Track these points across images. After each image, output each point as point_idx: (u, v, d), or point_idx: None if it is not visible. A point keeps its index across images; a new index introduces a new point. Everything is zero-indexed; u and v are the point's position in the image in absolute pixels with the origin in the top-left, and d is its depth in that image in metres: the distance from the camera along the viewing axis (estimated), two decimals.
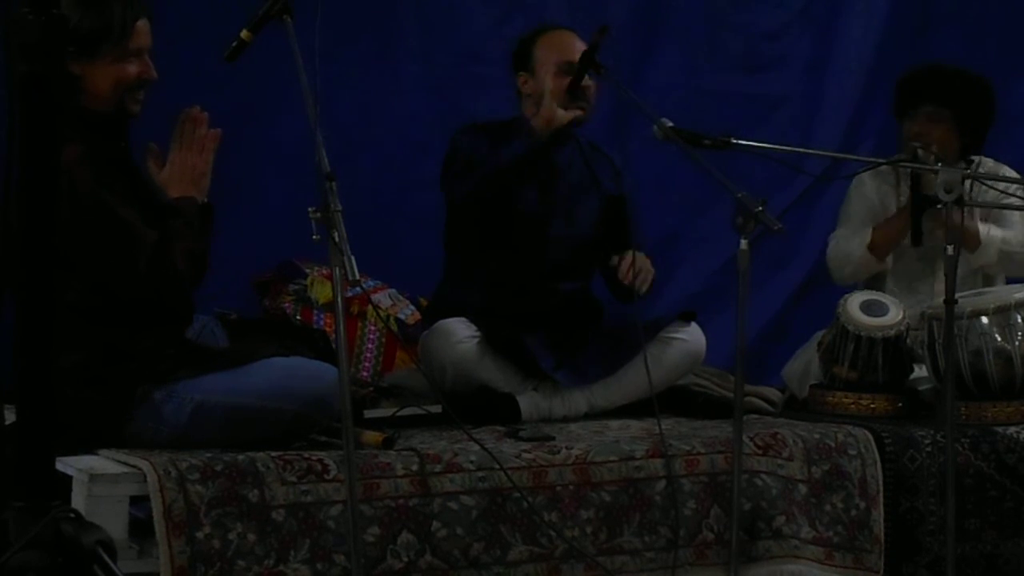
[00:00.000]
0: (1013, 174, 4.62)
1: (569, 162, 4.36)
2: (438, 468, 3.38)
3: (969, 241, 4.47)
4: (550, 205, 4.29)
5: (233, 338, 3.69)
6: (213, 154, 3.44)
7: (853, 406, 4.21)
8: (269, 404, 3.37)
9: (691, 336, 4.27)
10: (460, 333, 4.08)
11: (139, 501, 3.12)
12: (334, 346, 3.35)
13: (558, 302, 4.29)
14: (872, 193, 4.70)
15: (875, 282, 4.70)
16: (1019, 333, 4.11)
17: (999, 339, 4.11)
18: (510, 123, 4.27)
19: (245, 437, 3.35)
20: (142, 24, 3.39)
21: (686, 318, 4.28)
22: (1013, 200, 4.46)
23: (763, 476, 3.70)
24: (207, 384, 3.37)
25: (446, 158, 4.30)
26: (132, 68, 3.38)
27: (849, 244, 4.66)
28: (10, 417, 2.30)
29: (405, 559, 3.29)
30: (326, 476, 3.25)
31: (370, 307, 4.48)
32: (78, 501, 3.04)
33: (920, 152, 4.38)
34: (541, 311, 4.23)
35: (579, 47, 4.24)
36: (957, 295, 3.64)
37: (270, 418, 3.38)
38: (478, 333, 4.08)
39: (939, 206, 3.61)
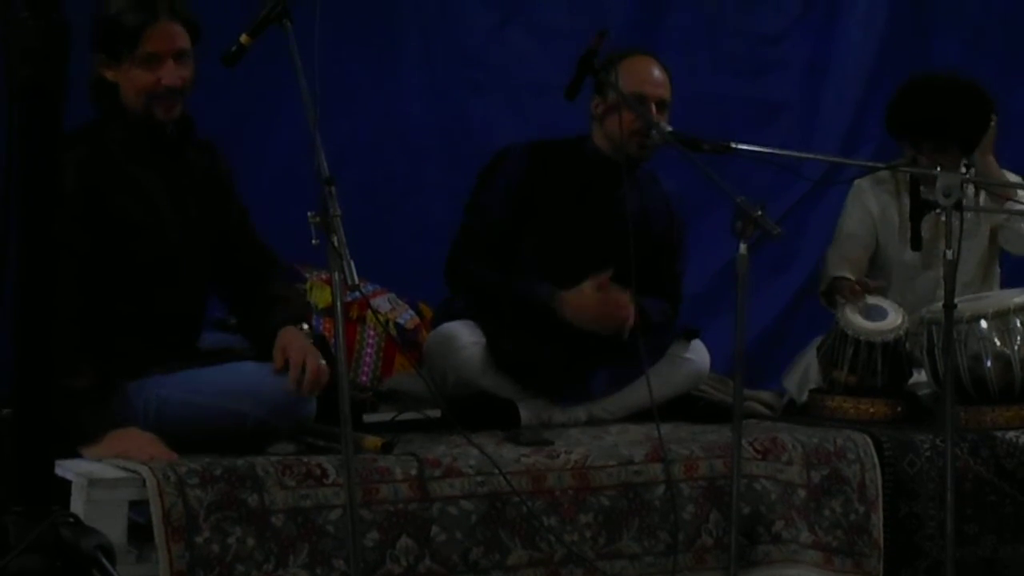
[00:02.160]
0: (1013, 178, 4.61)
1: (615, 199, 4.13)
2: (437, 473, 3.37)
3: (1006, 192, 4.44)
4: (572, 236, 4.17)
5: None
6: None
7: (852, 410, 4.21)
8: (229, 405, 3.35)
9: (697, 355, 4.26)
10: (464, 339, 4.06)
11: (138, 505, 3.12)
12: (333, 351, 3.35)
13: (575, 331, 4.16)
14: (872, 203, 4.66)
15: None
16: (1018, 337, 4.10)
17: (998, 343, 4.11)
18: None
19: (204, 437, 3.32)
20: (163, 27, 3.37)
21: (689, 336, 4.27)
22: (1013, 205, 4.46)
23: (762, 481, 3.70)
24: (172, 380, 3.37)
25: (483, 171, 4.24)
26: (148, 76, 3.37)
27: (829, 272, 4.65)
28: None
29: (404, 564, 3.28)
30: (325, 481, 3.25)
31: (369, 312, 4.48)
32: (77, 506, 3.03)
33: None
34: (554, 333, 4.19)
35: (655, 79, 4.16)
36: (956, 299, 3.64)
37: (228, 420, 3.35)
38: (482, 339, 4.07)
39: (938, 211, 3.61)
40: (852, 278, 4.51)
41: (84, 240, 3.31)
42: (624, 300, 4.03)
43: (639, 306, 4.06)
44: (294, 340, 3.43)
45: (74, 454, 3.22)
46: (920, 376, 4.34)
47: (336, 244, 2.87)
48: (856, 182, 4.71)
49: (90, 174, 3.34)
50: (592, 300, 4.04)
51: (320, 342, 3.81)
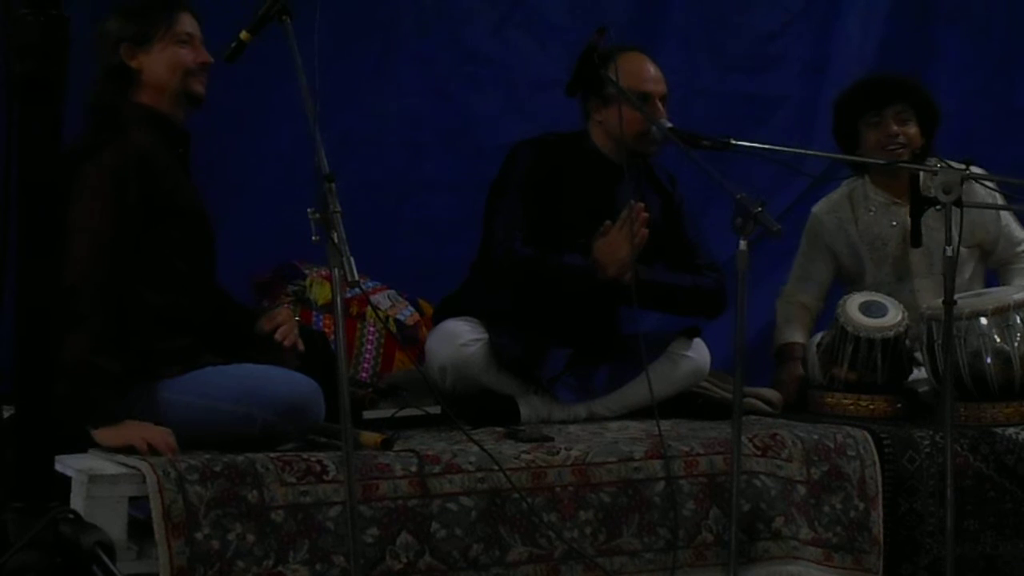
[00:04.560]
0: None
1: (612, 197, 4.17)
2: (437, 469, 3.38)
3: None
4: (569, 233, 4.17)
5: None
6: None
7: (852, 407, 4.21)
8: (238, 409, 3.35)
9: (697, 353, 4.26)
10: (464, 336, 4.06)
11: (138, 501, 3.12)
12: (333, 347, 3.35)
13: (578, 327, 4.20)
14: (825, 232, 4.69)
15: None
16: (1018, 334, 4.11)
17: (998, 340, 4.11)
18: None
19: (211, 440, 3.33)
20: (189, 14, 3.53)
21: (690, 334, 4.27)
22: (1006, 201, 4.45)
23: (762, 477, 3.70)
24: (181, 383, 3.38)
25: (501, 168, 4.24)
26: (186, 53, 3.49)
27: (777, 336, 4.71)
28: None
29: (404, 560, 3.29)
30: (325, 477, 3.25)
31: (369, 308, 4.48)
32: (77, 502, 3.04)
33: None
34: (559, 331, 4.19)
35: (654, 75, 4.19)
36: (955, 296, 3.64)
37: (237, 423, 3.35)
38: (483, 336, 4.07)
39: (938, 207, 3.61)
40: (802, 342, 4.59)
41: (133, 234, 3.36)
42: (617, 241, 4.02)
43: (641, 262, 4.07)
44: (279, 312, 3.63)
45: (74, 449, 3.22)
46: (920, 373, 4.35)
47: (336, 240, 2.87)
48: (812, 212, 4.76)
49: (141, 167, 3.37)
50: (598, 244, 4.05)
51: (319, 338, 3.82)
